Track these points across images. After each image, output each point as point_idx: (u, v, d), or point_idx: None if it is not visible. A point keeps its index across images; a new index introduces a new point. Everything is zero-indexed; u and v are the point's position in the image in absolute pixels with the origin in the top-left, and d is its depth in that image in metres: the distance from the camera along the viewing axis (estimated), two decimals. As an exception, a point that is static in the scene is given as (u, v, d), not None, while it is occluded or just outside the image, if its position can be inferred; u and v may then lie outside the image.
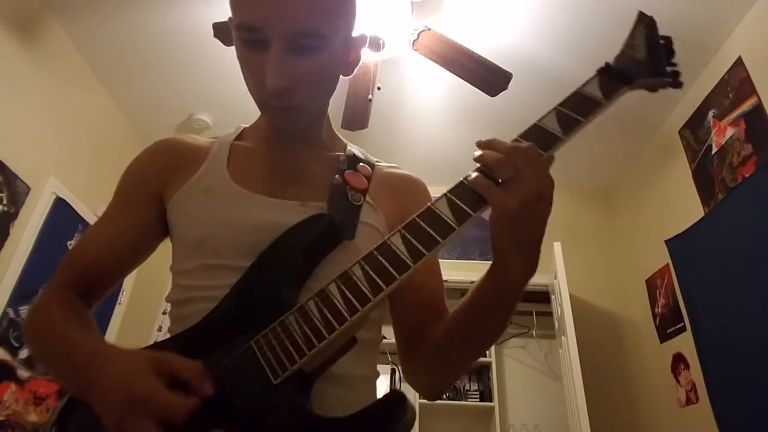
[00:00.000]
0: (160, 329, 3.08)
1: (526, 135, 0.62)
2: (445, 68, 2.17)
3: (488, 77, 2.14)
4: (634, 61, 0.69)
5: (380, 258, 0.57)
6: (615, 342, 3.12)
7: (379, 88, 2.27)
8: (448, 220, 0.57)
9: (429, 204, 0.60)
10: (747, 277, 2.11)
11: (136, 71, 2.85)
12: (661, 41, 0.71)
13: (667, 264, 2.75)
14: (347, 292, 0.57)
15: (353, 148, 0.84)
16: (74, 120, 2.76)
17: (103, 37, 2.65)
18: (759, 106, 2.18)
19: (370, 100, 2.28)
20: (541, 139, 0.60)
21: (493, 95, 2.20)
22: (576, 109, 0.63)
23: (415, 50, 2.17)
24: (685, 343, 2.55)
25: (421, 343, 0.74)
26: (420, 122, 3.11)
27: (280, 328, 0.58)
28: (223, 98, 2.94)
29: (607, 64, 0.68)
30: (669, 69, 0.70)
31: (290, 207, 0.72)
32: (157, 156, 0.81)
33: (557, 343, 3.07)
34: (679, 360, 2.61)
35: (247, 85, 0.72)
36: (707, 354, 2.36)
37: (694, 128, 2.65)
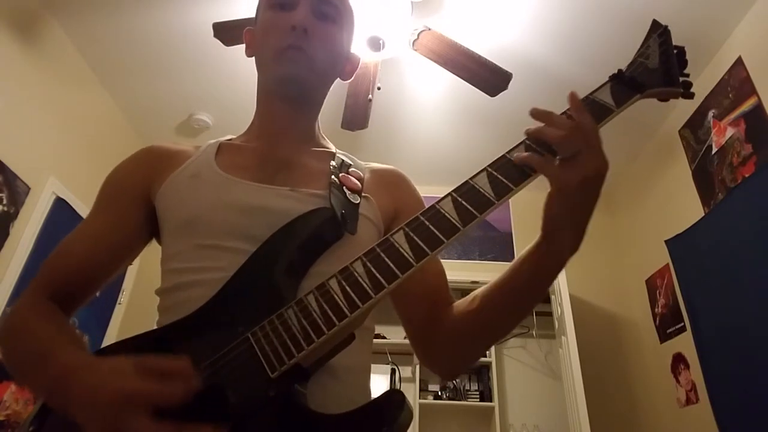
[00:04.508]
0: (160, 329, 3.08)
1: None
2: (445, 68, 2.17)
3: (488, 77, 2.14)
4: (646, 69, 0.69)
5: (383, 255, 0.57)
6: (615, 342, 3.12)
7: (379, 88, 2.27)
8: (454, 221, 0.58)
9: (434, 204, 0.60)
10: (747, 277, 2.11)
11: (136, 71, 2.85)
12: (675, 51, 0.71)
13: (667, 264, 2.75)
14: (348, 288, 0.56)
15: (342, 155, 0.85)
16: (74, 120, 2.76)
17: (103, 37, 2.65)
18: (759, 106, 2.18)
19: (370, 100, 2.28)
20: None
21: (493, 95, 2.20)
22: None
23: (415, 50, 2.17)
24: (685, 343, 2.55)
25: (436, 330, 0.75)
26: (420, 122, 3.11)
27: (279, 321, 0.57)
28: (223, 98, 2.94)
29: (620, 71, 0.68)
30: (681, 80, 0.70)
31: (280, 192, 0.73)
32: (142, 159, 0.82)
33: (557, 343, 3.07)
34: (679, 360, 2.61)
35: (263, 47, 0.81)
36: (707, 354, 2.36)
37: (694, 128, 2.65)
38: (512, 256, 3.40)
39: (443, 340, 0.75)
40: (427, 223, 0.58)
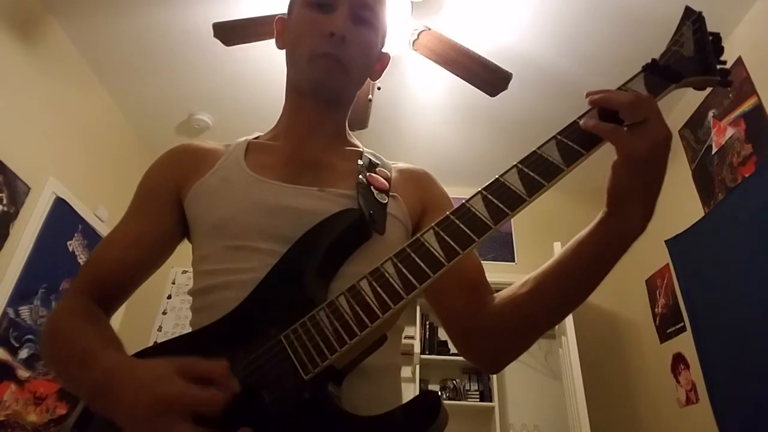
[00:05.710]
0: (160, 329, 3.08)
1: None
2: (445, 68, 2.17)
3: (488, 77, 2.14)
4: (681, 57, 0.66)
5: (413, 255, 0.57)
6: (615, 342, 3.12)
7: (379, 88, 2.27)
8: (484, 219, 0.57)
9: (464, 202, 0.59)
10: (747, 277, 2.11)
11: (136, 71, 2.85)
12: (710, 38, 0.68)
13: (667, 264, 2.75)
14: (379, 289, 0.56)
15: (369, 154, 0.85)
16: (74, 120, 2.76)
17: (103, 37, 2.65)
18: (759, 106, 2.18)
19: (370, 100, 2.28)
20: (584, 137, 0.59)
21: (493, 95, 2.20)
22: None
23: (415, 50, 2.17)
24: (685, 343, 2.55)
25: (478, 319, 0.72)
26: (420, 122, 3.11)
27: (311, 323, 0.57)
28: (223, 98, 2.94)
29: (654, 60, 0.65)
30: (718, 67, 0.67)
31: (308, 192, 0.73)
32: (172, 159, 0.83)
33: (557, 342, 3.07)
34: (679, 360, 2.61)
35: (297, 46, 0.79)
36: (707, 354, 2.36)
37: (694, 128, 2.65)
38: (512, 256, 3.40)
39: (487, 329, 0.72)
40: (458, 222, 0.58)
